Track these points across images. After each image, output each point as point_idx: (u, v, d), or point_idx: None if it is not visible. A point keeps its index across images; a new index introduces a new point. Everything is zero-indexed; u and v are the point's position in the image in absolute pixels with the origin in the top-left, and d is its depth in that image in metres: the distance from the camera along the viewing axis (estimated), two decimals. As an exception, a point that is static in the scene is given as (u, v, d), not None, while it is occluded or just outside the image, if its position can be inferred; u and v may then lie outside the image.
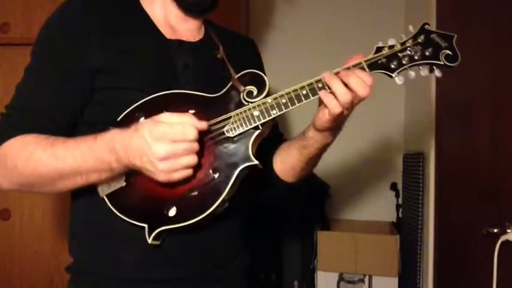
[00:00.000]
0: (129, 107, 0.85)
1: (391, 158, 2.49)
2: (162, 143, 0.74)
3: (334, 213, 2.51)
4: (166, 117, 0.76)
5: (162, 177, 0.76)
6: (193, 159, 0.77)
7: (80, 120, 0.90)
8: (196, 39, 0.98)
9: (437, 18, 1.78)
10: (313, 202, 2.37)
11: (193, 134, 0.76)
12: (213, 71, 0.94)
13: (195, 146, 0.77)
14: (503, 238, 1.09)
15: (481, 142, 1.33)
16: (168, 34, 0.94)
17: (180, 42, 0.94)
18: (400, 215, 2.37)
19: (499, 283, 1.09)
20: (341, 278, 2.13)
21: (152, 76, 0.89)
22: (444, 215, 1.71)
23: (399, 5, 2.45)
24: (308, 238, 2.31)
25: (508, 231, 1.09)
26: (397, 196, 2.39)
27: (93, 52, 0.86)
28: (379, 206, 2.47)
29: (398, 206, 2.39)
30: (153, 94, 0.85)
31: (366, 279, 2.11)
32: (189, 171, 0.78)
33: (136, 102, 0.85)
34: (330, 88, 0.81)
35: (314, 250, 2.22)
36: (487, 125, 1.29)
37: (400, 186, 2.40)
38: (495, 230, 1.12)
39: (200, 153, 0.80)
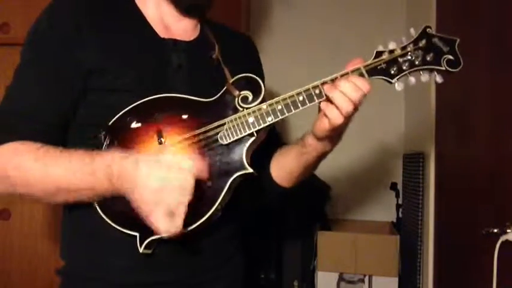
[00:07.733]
0: (121, 110, 0.83)
1: (391, 158, 2.48)
2: (155, 187, 0.71)
3: (334, 213, 2.50)
4: (167, 158, 0.73)
5: (144, 215, 0.73)
6: (181, 208, 0.71)
7: (72, 121, 0.88)
8: (192, 38, 0.95)
9: (438, 20, 1.78)
10: (313, 202, 2.37)
11: (189, 184, 0.71)
12: (208, 72, 0.92)
13: (188, 196, 0.71)
14: (503, 238, 1.08)
15: (481, 142, 1.33)
16: (162, 33, 0.91)
17: (175, 42, 0.91)
18: (400, 215, 2.37)
19: (499, 283, 1.09)
20: (341, 278, 2.13)
21: (145, 77, 0.86)
22: (444, 215, 1.70)
23: (400, 6, 2.45)
24: (308, 238, 2.30)
25: (508, 231, 1.08)
26: (397, 196, 2.38)
27: (85, 52, 0.84)
28: (379, 206, 2.47)
29: (398, 206, 2.38)
30: (146, 96, 0.83)
31: (366, 279, 2.11)
32: (176, 221, 0.71)
33: (129, 103, 0.83)
34: (327, 97, 0.79)
35: (314, 250, 2.22)
36: (487, 125, 1.29)
37: (400, 186, 2.39)
38: (495, 230, 1.12)
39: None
